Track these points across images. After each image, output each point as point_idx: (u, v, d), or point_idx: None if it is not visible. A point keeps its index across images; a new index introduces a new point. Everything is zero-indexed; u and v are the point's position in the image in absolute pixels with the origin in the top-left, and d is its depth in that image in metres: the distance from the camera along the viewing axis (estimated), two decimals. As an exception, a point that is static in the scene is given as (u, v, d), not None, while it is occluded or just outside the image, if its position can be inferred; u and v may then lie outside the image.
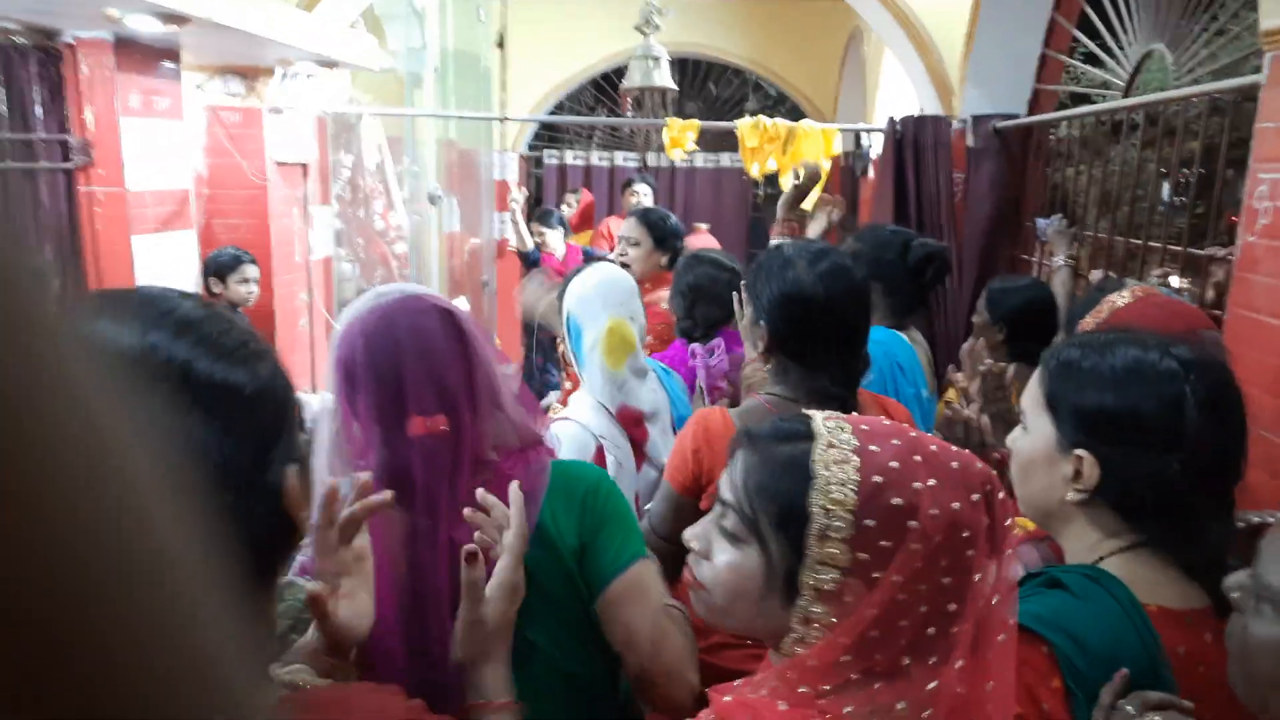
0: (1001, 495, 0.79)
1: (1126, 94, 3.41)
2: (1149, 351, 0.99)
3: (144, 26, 3.02)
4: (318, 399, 4.34)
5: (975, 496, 0.76)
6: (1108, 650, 0.87)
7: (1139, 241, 3.11)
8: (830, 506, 0.75)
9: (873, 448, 0.77)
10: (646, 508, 1.64)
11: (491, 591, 0.93)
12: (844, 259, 1.44)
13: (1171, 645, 0.90)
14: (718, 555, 0.83)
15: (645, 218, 2.86)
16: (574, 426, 1.72)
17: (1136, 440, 0.97)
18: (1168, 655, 0.89)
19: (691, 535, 0.87)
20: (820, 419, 0.82)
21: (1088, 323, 1.52)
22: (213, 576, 0.23)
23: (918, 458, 0.77)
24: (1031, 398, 1.08)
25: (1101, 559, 0.98)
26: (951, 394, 2.28)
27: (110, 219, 3.38)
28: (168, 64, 3.61)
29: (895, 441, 0.78)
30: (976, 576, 0.74)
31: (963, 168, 4.19)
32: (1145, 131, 3.28)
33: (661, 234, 2.82)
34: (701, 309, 2.32)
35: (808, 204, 4.14)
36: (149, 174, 3.51)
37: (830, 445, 0.78)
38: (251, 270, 3.62)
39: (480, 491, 1.00)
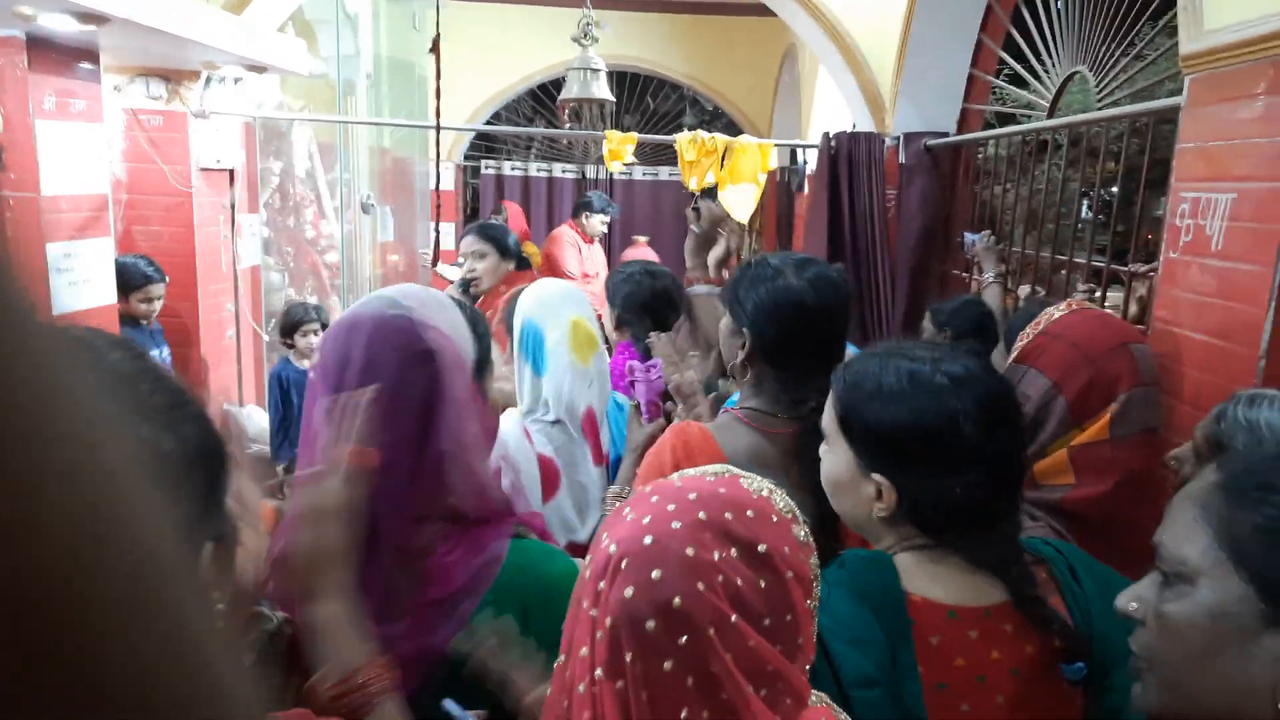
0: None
1: (1050, 115, 3.51)
2: (922, 367, 1.00)
3: (59, 25, 2.89)
4: (245, 413, 4.19)
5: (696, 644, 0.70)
6: (846, 630, 0.91)
7: (1064, 257, 3.20)
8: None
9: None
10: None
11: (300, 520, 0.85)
12: (829, 268, 1.41)
13: (925, 634, 0.94)
14: None
15: (484, 231, 3.11)
16: None
17: (921, 465, 0.98)
18: (914, 642, 0.93)
19: None
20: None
21: (1026, 333, 1.56)
22: (194, 572, 0.22)
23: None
24: (829, 418, 1.07)
25: (897, 552, 1.02)
26: None
27: (22, 225, 3.22)
28: (85, 65, 3.47)
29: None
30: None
31: (895, 184, 4.27)
32: (1069, 151, 3.39)
33: (504, 246, 3.07)
34: (643, 323, 2.29)
35: (744, 217, 4.17)
36: (65, 178, 3.35)
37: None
38: (157, 289, 3.55)
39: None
